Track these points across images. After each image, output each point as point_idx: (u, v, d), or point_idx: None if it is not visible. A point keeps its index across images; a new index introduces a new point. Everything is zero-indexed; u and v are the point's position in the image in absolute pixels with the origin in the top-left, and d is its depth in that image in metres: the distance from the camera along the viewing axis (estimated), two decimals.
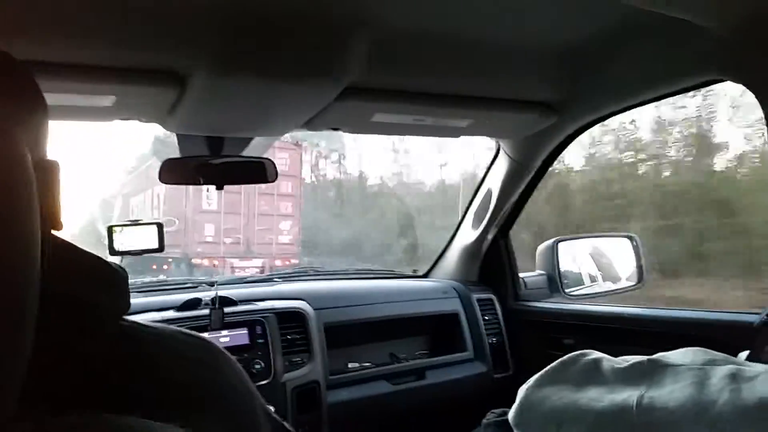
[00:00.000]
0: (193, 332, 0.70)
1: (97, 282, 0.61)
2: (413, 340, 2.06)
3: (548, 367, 1.03)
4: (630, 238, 2.16)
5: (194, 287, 1.89)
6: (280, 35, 1.14)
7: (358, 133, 1.73)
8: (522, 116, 1.62)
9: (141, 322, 0.64)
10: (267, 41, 1.14)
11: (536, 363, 1.98)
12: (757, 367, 0.83)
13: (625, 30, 1.26)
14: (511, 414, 1.04)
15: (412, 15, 1.19)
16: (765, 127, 1.19)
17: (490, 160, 2.00)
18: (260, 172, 1.66)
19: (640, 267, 2.11)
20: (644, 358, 0.94)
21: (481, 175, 2.10)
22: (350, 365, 1.87)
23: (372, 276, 2.38)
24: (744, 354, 1.16)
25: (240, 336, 1.63)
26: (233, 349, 1.59)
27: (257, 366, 1.60)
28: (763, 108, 1.19)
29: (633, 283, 2.12)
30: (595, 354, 1.01)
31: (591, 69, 1.44)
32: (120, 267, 0.64)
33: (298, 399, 1.65)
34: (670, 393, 0.84)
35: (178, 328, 0.70)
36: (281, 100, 1.33)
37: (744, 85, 1.22)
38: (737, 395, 0.78)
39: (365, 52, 1.26)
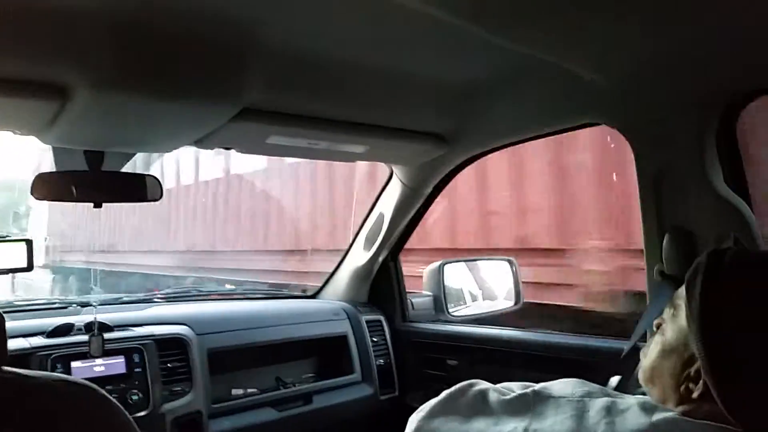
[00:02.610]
0: (78, 380, 0.68)
1: None
2: (300, 363, 2.03)
3: (439, 397, 1.06)
4: (509, 261, 2.27)
5: (63, 308, 1.75)
6: (174, 55, 1.09)
7: (251, 153, 1.69)
8: (415, 146, 1.67)
9: (22, 372, 0.60)
10: (160, 60, 1.09)
11: (421, 383, 2.05)
12: (629, 400, 0.90)
13: (514, 72, 1.34)
14: None
15: (309, 41, 1.19)
16: (636, 170, 1.31)
17: (383, 184, 2.03)
18: (142, 188, 1.57)
19: (517, 289, 2.23)
20: (528, 389, 0.98)
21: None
22: (234, 392, 1.80)
23: (259, 296, 2.33)
24: (615, 379, 1.26)
25: (116, 365, 1.53)
26: (108, 379, 1.49)
27: (134, 397, 1.51)
28: (635, 153, 1.31)
29: (511, 304, 2.23)
30: (483, 384, 1.05)
31: (482, 105, 1.51)
32: None
33: (179, 430, 1.57)
34: (552, 425, 0.88)
35: (62, 376, 0.68)
36: (172, 118, 1.27)
37: (619, 130, 1.33)
38: (612, 428, 0.83)
39: (261, 76, 1.24)
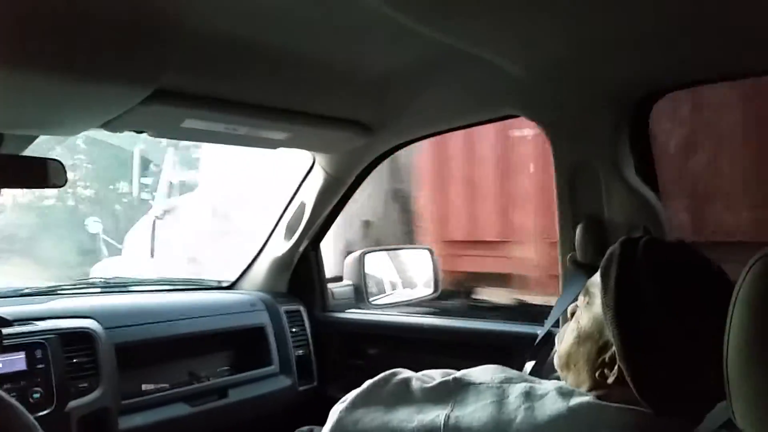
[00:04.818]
0: None
1: None
2: (216, 356, 1.96)
3: (362, 387, 1.05)
4: (429, 250, 2.31)
5: None
6: (79, 30, 1.01)
7: (165, 137, 1.61)
8: (339, 133, 1.65)
9: None
10: (64, 35, 1.00)
11: (341, 373, 2.05)
12: (546, 385, 0.93)
13: (438, 62, 1.34)
14: None
15: (230, 21, 1.14)
16: (553, 161, 1.35)
17: (304, 173, 2.00)
18: (45, 174, 1.47)
19: (436, 278, 2.27)
20: (449, 376, 1.00)
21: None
22: (145, 387, 1.73)
23: (172, 288, 2.23)
24: (530, 365, 1.30)
25: (15, 361, 1.41)
26: (6, 377, 1.38)
27: (36, 395, 1.41)
28: (552, 144, 1.35)
29: (430, 292, 2.27)
30: (406, 373, 1.05)
31: (405, 94, 1.51)
32: None
33: (85, 429, 1.48)
34: (473, 412, 0.90)
35: None
36: (77, 99, 1.19)
37: (536, 122, 1.37)
38: (531, 413, 0.86)
39: (176, 56, 1.17)
